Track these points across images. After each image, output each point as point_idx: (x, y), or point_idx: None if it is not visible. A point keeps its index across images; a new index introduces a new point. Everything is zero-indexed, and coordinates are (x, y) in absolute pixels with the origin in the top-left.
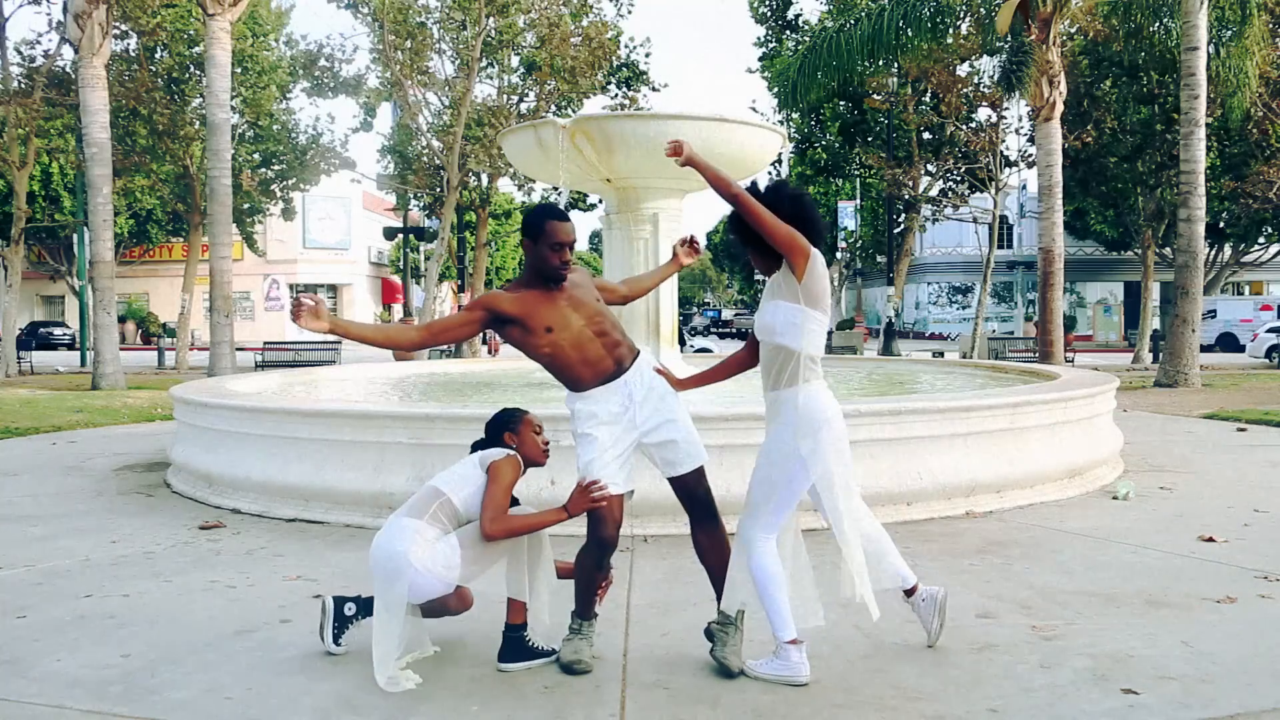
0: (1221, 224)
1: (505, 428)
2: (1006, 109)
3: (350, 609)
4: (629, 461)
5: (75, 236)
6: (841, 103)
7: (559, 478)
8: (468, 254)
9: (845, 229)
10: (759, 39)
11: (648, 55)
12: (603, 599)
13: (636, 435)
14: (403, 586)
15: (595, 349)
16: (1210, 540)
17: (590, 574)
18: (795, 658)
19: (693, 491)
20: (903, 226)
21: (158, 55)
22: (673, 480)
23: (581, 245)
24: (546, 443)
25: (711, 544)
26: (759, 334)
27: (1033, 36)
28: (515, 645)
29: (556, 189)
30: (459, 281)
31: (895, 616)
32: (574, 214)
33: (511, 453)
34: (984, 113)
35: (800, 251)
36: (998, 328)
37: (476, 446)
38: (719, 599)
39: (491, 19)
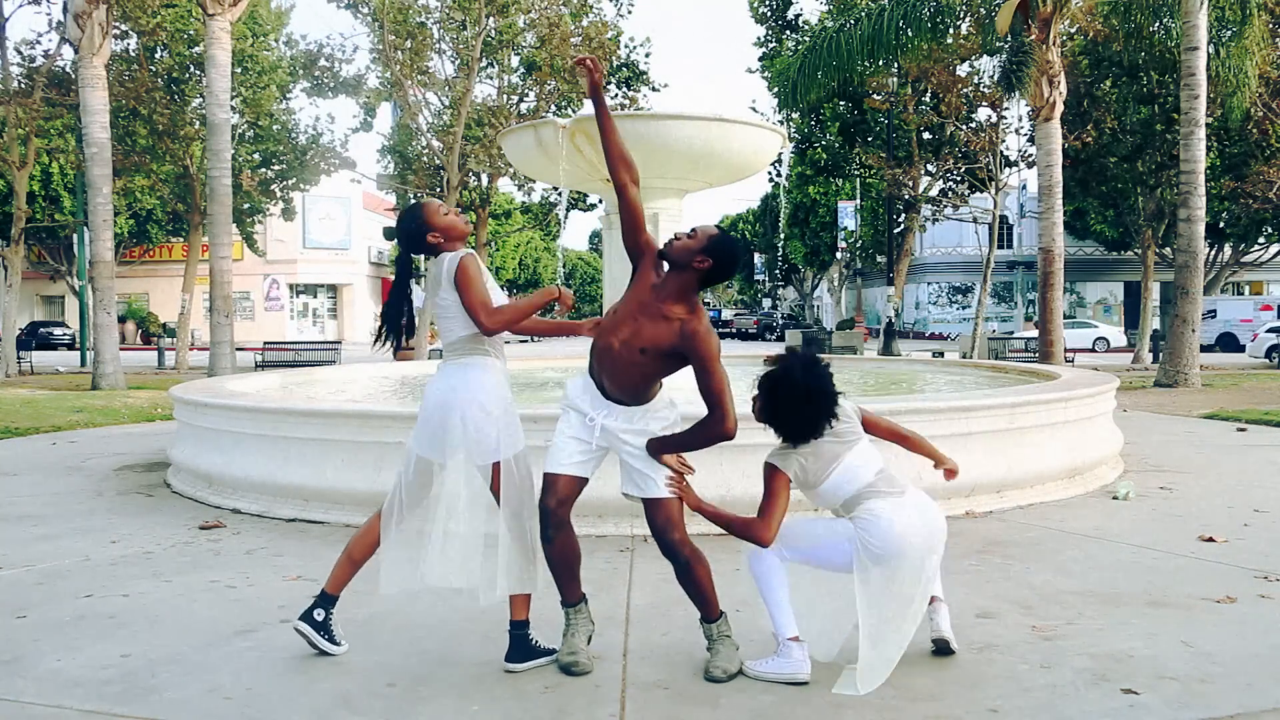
0: (1221, 224)
1: (424, 230)
2: (1006, 109)
3: (320, 614)
4: (590, 449)
5: (75, 236)
6: (841, 103)
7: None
8: None
9: (845, 229)
10: (759, 39)
11: (648, 55)
12: (574, 579)
13: (602, 436)
14: (501, 434)
15: (599, 359)
16: (1210, 540)
17: (545, 551)
18: (798, 655)
19: (651, 525)
20: (903, 226)
21: (158, 55)
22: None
23: (581, 245)
24: (459, 213)
25: (677, 574)
26: None
27: (1033, 36)
28: (521, 644)
29: (556, 189)
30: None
31: None
32: (574, 214)
33: (463, 251)
34: (984, 113)
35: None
36: (998, 328)
37: (400, 261)
38: (700, 614)
39: (491, 19)
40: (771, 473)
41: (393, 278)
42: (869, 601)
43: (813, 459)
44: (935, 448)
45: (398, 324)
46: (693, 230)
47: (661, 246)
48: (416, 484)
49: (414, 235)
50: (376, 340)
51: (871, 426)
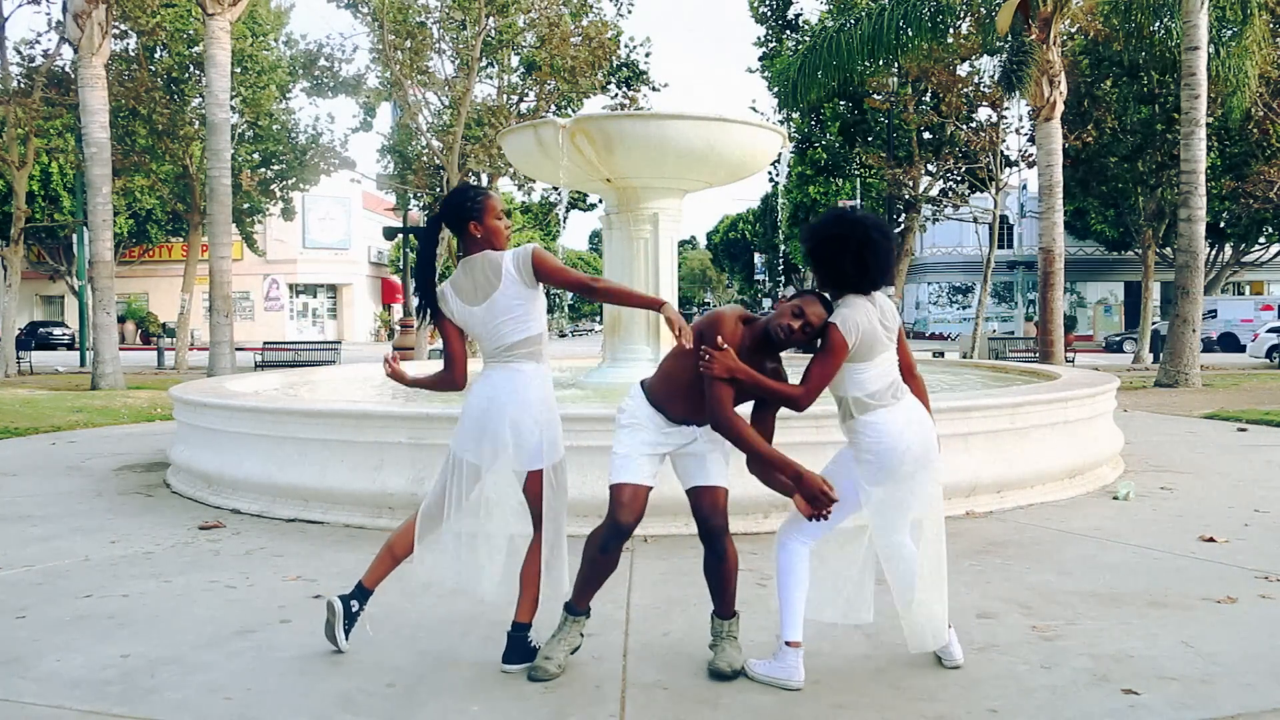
0: (1222, 224)
1: (469, 216)
2: (1007, 109)
3: (354, 605)
4: (658, 460)
5: (75, 236)
6: (841, 103)
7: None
8: None
9: None
10: (759, 39)
11: (648, 55)
12: (594, 591)
13: (672, 446)
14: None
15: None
16: (1210, 540)
17: (594, 556)
18: (791, 661)
19: (703, 515)
20: (903, 226)
21: (157, 55)
22: (688, 492)
23: (581, 245)
24: (508, 226)
25: (711, 564)
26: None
27: (1033, 36)
28: (519, 646)
29: (556, 189)
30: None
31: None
32: (574, 214)
33: (530, 245)
34: (984, 113)
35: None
36: (998, 328)
37: (426, 239)
38: (716, 608)
39: (491, 19)
40: (831, 332)
41: (416, 249)
42: (882, 527)
43: (872, 318)
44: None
45: (428, 284)
46: (799, 311)
47: (770, 331)
48: (465, 486)
49: (461, 215)
50: (418, 313)
51: (899, 344)
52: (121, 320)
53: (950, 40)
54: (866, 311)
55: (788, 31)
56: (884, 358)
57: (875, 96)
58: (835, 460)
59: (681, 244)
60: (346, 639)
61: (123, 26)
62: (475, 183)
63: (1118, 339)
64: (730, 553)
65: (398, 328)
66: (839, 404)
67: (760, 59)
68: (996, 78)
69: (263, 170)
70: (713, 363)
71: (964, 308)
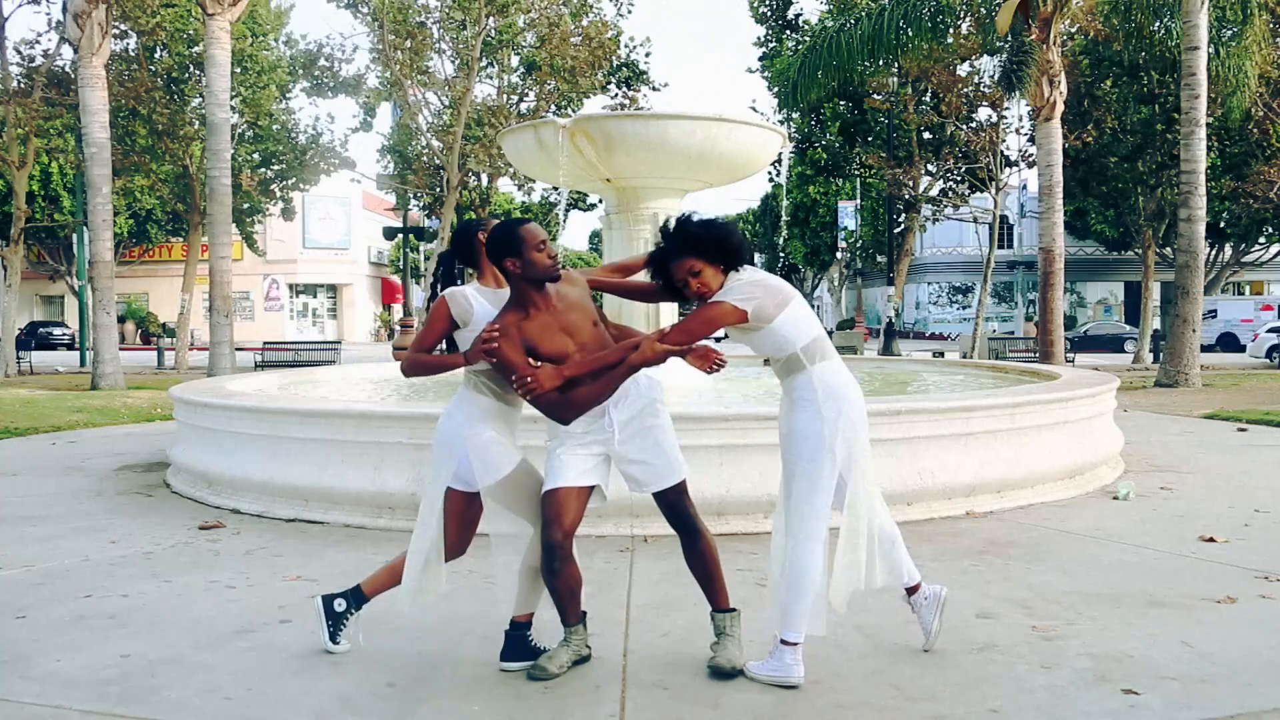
0: (1222, 224)
1: (509, 252)
2: (1007, 109)
3: (340, 605)
4: (601, 462)
5: (75, 236)
6: (841, 103)
7: None
8: None
9: (845, 229)
10: (759, 39)
11: (648, 55)
12: (576, 601)
13: (610, 449)
14: (451, 465)
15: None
16: (1210, 540)
17: (549, 582)
18: (789, 659)
19: (671, 505)
20: (903, 226)
21: (157, 55)
22: (654, 495)
23: (581, 245)
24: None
25: (692, 556)
26: (767, 354)
27: (1033, 36)
28: (517, 644)
29: (556, 189)
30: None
31: (895, 617)
32: (574, 214)
33: (449, 292)
34: (984, 112)
35: (736, 319)
36: (998, 328)
37: (446, 262)
38: (710, 603)
39: (491, 19)
40: (718, 306)
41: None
42: (861, 484)
43: (764, 287)
44: None
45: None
46: (541, 245)
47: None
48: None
49: (485, 251)
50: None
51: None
52: (121, 320)
53: (950, 40)
54: (759, 288)
55: (788, 31)
56: (793, 305)
57: (875, 96)
58: (802, 439)
59: None
60: (334, 641)
61: (123, 26)
62: (475, 183)
63: None
64: (706, 532)
65: (398, 328)
66: (785, 363)
67: (760, 59)
68: (996, 78)
69: (263, 170)
70: (493, 343)
71: (964, 308)
